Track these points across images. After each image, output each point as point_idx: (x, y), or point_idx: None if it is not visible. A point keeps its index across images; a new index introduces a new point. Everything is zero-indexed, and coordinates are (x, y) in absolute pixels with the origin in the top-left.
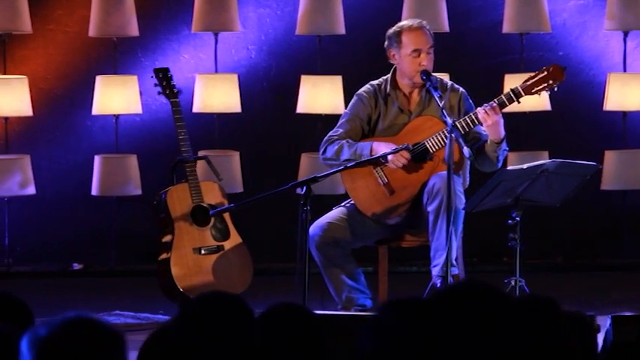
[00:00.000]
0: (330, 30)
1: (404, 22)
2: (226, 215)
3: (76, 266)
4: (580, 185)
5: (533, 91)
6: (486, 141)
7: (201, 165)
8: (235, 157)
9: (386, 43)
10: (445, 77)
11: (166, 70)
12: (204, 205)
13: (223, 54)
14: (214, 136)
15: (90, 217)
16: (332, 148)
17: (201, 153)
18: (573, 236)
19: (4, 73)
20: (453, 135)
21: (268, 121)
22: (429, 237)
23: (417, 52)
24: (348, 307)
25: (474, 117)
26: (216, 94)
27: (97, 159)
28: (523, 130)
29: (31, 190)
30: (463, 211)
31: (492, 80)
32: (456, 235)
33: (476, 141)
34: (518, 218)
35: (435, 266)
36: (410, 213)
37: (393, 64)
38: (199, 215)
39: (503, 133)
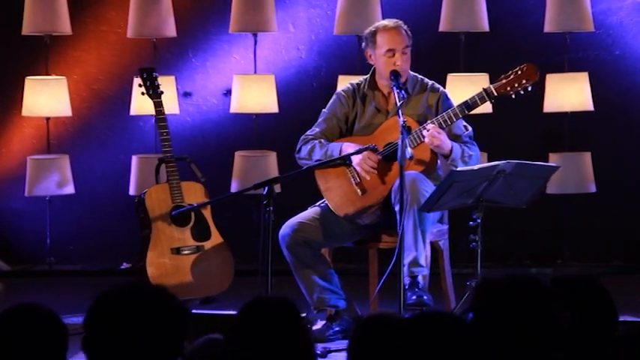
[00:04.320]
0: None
1: (380, 22)
2: (208, 215)
3: (125, 265)
4: (543, 186)
5: (506, 90)
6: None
7: (239, 162)
8: (272, 157)
9: (363, 43)
10: (485, 77)
11: (152, 70)
12: (185, 205)
13: (274, 54)
14: (252, 136)
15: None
16: (306, 147)
17: (237, 153)
18: (628, 238)
19: (47, 74)
20: (403, 136)
21: (306, 122)
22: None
23: (392, 52)
24: (320, 307)
25: (444, 117)
26: (253, 95)
27: (134, 159)
28: (566, 131)
29: (69, 189)
30: (429, 213)
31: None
32: (424, 236)
33: (453, 139)
34: (479, 220)
35: (403, 266)
36: (384, 213)
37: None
38: (181, 215)
39: (446, 149)
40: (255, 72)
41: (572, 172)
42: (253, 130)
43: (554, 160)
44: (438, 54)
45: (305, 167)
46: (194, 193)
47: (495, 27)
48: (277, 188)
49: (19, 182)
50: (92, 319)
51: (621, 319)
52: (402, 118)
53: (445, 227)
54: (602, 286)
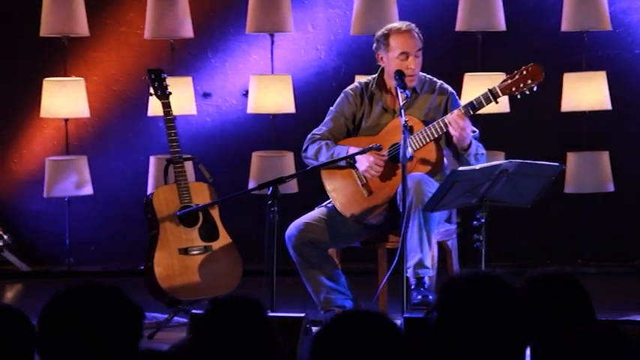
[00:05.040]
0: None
1: (393, 25)
2: (216, 215)
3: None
4: (547, 186)
5: (511, 91)
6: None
7: (256, 162)
8: (289, 157)
9: (374, 45)
10: (502, 77)
11: (160, 71)
12: (193, 205)
13: (293, 54)
14: (270, 136)
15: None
16: (313, 147)
17: (255, 154)
18: None
19: (65, 75)
20: (404, 135)
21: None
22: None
23: (405, 55)
24: (327, 307)
25: (442, 123)
26: (270, 95)
27: (151, 160)
28: (584, 130)
29: (88, 190)
30: (434, 214)
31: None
32: (429, 237)
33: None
34: (482, 220)
35: (408, 268)
36: (390, 214)
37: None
38: (188, 216)
39: (468, 140)
40: (272, 72)
41: (591, 172)
42: (271, 131)
43: (572, 159)
44: (454, 54)
45: (310, 168)
46: (202, 194)
47: (512, 26)
48: (294, 188)
49: (39, 184)
50: (45, 319)
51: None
52: (404, 118)
53: (453, 227)
54: (579, 285)
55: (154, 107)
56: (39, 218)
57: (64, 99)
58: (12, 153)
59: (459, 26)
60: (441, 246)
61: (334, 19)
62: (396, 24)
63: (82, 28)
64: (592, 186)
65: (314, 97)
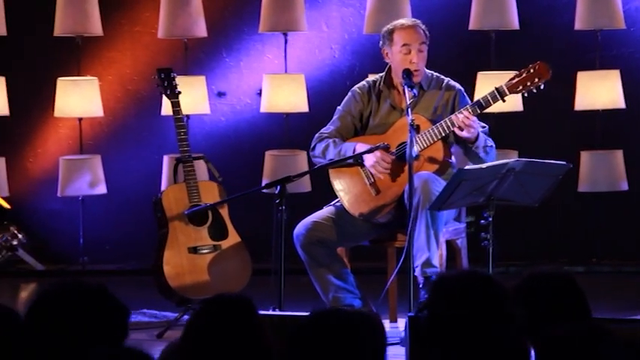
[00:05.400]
0: None
1: (398, 21)
2: (225, 214)
3: None
4: (555, 185)
5: (518, 89)
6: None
7: (269, 161)
8: (302, 156)
9: (380, 41)
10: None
11: (169, 70)
12: (202, 204)
13: (307, 54)
14: (284, 135)
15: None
16: (320, 145)
17: (268, 153)
18: None
19: (79, 75)
20: (411, 135)
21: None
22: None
23: (407, 48)
24: (336, 306)
25: (449, 122)
26: (283, 94)
27: (165, 159)
28: (597, 129)
29: (101, 189)
30: (441, 213)
31: (564, 78)
32: (437, 236)
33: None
34: (490, 218)
35: (416, 267)
36: (399, 212)
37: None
38: (198, 215)
39: (475, 133)
40: (285, 71)
41: (604, 171)
42: (284, 130)
43: (585, 158)
44: (468, 52)
45: (317, 166)
46: (211, 192)
47: (526, 25)
48: (307, 187)
49: (53, 183)
50: (30, 318)
51: None
52: (410, 117)
53: (462, 226)
54: (575, 283)
55: (168, 106)
56: (53, 217)
57: (78, 98)
58: (27, 152)
59: (472, 25)
60: (451, 245)
61: (348, 18)
62: (402, 20)
63: (96, 27)
64: (606, 185)
65: (327, 97)
